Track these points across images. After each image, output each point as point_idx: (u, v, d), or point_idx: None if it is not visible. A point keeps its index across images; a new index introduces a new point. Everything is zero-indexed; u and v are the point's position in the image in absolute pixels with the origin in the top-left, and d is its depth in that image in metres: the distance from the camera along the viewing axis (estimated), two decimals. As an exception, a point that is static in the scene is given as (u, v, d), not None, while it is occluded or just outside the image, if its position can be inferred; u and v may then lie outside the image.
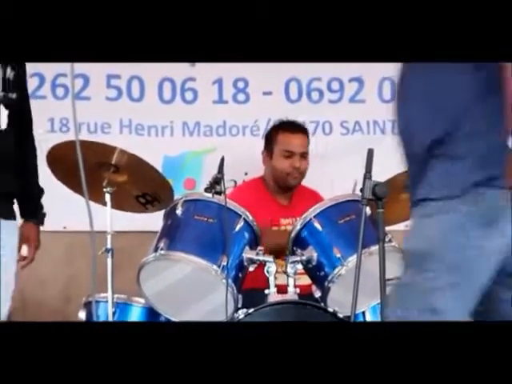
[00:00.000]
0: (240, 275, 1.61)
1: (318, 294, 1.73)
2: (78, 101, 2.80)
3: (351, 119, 3.02)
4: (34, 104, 1.78)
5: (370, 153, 1.49)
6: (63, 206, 2.49)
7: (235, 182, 2.78)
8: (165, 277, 1.66)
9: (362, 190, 1.44)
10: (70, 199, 2.08)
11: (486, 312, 1.05)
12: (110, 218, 1.82)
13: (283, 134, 2.39)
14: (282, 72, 2.94)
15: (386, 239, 1.60)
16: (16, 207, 1.74)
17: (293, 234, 1.73)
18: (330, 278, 1.67)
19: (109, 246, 1.79)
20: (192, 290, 1.63)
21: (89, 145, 1.79)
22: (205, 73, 2.93)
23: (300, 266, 1.73)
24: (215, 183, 1.75)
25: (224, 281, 1.47)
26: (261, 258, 1.63)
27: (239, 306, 1.58)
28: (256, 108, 2.98)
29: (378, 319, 1.58)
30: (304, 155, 2.37)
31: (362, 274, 1.32)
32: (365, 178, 1.42)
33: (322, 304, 1.72)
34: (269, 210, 2.26)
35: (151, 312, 1.73)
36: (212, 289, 1.54)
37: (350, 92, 3.03)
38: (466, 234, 1.00)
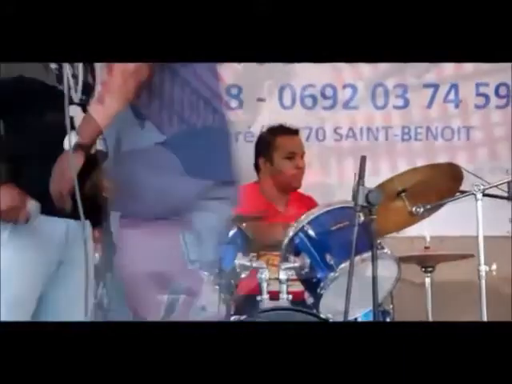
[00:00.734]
0: (232, 282, 1.58)
1: (310, 300, 1.74)
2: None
3: (345, 125, 3.04)
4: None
5: (363, 160, 1.50)
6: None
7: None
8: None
9: (354, 197, 1.45)
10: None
11: None
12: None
13: (282, 137, 2.43)
14: (275, 78, 2.96)
15: (379, 246, 1.62)
16: None
17: (285, 241, 1.73)
18: (322, 284, 1.72)
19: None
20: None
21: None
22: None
23: (293, 273, 1.76)
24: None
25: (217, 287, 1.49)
26: (254, 264, 1.74)
27: (232, 312, 1.66)
28: (250, 114, 3.01)
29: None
30: (303, 156, 2.43)
31: (355, 280, 1.33)
32: (358, 185, 1.43)
33: (315, 310, 1.73)
34: (265, 216, 2.25)
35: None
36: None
37: (344, 98, 3.06)
38: None
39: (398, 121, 5.28)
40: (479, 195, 1.85)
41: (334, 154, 3.03)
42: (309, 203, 2.37)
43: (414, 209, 1.55)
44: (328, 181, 2.89)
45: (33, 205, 1.18)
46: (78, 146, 1.12)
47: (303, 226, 1.75)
